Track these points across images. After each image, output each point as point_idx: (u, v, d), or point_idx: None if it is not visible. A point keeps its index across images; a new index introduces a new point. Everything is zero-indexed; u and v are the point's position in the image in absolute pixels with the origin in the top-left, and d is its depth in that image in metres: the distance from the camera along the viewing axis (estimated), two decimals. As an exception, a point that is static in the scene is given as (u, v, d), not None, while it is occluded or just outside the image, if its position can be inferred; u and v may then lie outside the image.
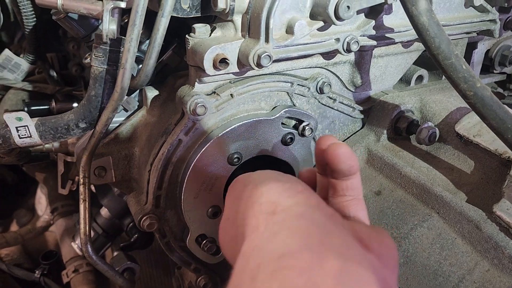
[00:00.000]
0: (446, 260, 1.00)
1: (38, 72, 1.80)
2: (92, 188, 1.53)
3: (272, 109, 1.13)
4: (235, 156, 1.08)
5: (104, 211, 1.43)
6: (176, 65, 1.27)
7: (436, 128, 1.19)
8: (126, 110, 1.27)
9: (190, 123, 1.04)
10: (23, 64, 1.55)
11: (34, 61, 1.59)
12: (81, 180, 1.10)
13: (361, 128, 1.33)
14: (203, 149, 1.05)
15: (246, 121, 1.07)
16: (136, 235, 1.37)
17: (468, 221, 1.01)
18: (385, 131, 1.26)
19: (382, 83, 1.31)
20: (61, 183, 1.42)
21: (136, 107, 1.26)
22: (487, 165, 1.13)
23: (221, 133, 1.05)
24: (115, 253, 1.32)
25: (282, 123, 1.14)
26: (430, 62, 1.44)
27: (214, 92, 1.06)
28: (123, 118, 1.25)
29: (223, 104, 1.06)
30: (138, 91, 1.26)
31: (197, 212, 1.11)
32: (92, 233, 1.48)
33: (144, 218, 1.08)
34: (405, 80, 1.40)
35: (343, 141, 1.31)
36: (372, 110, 1.30)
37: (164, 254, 1.65)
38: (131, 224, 1.40)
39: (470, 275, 0.98)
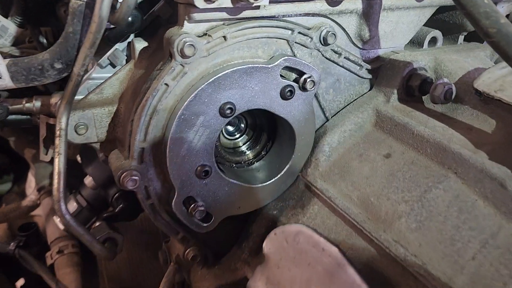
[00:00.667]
0: (465, 224, 0.88)
1: (29, 41, 1.70)
2: (79, 159, 1.42)
3: (270, 58, 1.02)
4: (228, 106, 0.97)
5: (88, 180, 1.32)
6: (168, 17, 1.17)
7: (453, 84, 1.07)
8: (113, 66, 1.17)
9: (177, 67, 0.93)
10: (11, 27, 1.45)
11: (22, 24, 1.49)
12: (57, 132, 0.99)
13: (369, 91, 1.21)
14: (191, 96, 0.94)
15: (240, 67, 0.96)
16: (121, 205, 1.25)
17: (491, 179, 0.89)
18: (395, 91, 1.14)
19: (392, 41, 1.19)
20: (44, 148, 1.31)
21: (124, 62, 1.16)
22: (511, 123, 1.00)
23: (212, 78, 0.94)
24: (97, 223, 1.21)
25: (281, 76, 1.02)
26: (445, 26, 1.33)
27: (206, 34, 0.95)
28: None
29: (216, 47, 0.95)
30: (126, 45, 1.16)
31: (184, 171, 1.00)
32: (76, 206, 1.37)
33: (125, 173, 0.97)
34: (417, 42, 1.29)
35: (348, 104, 1.20)
36: (381, 70, 1.18)
37: (155, 237, 1.53)
38: (117, 194, 1.29)
39: (494, 240, 0.85)
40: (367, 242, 0.96)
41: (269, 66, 0.99)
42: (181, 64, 0.93)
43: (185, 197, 1.03)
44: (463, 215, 0.89)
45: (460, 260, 0.84)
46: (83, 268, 1.60)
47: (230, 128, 1.20)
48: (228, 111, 0.97)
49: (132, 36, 1.14)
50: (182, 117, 0.95)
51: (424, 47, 1.28)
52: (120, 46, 1.15)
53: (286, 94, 1.02)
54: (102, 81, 1.12)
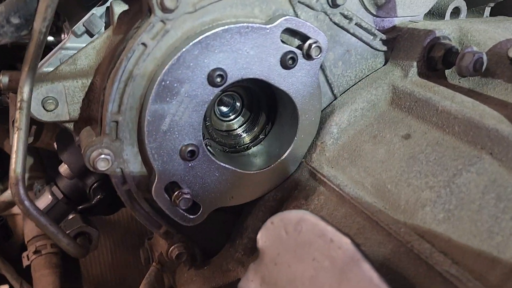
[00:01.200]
0: (506, 214, 0.72)
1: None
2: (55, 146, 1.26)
3: (269, 19, 0.87)
4: (218, 73, 0.81)
5: (63, 168, 1.16)
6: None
7: (483, 53, 0.91)
8: (90, 34, 1.02)
9: (157, 23, 0.78)
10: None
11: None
12: (18, 104, 0.84)
13: (383, 66, 1.06)
14: (174, 58, 0.78)
15: (232, 26, 0.81)
16: (98, 196, 1.10)
17: (536, 159, 0.73)
18: (414, 64, 0.98)
19: (410, 8, 1.04)
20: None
21: (103, 29, 1.01)
22: (555, 96, 0.85)
23: (199, 38, 0.79)
24: (70, 216, 1.05)
25: (282, 41, 0.87)
26: (469, -3, 1.17)
27: (192, -14, 0.80)
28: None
29: (204, 2, 0.80)
30: (104, 9, 1.01)
31: (166, 150, 0.84)
32: (50, 199, 1.21)
33: (95, 152, 0.81)
34: (437, 14, 1.14)
35: (360, 80, 1.04)
36: (398, 40, 1.03)
37: (143, 238, 1.37)
38: (95, 184, 1.13)
39: (542, 232, 0.69)
40: (384, 236, 0.80)
41: (268, 26, 0.84)
42: (161, 20, 0.78)
43: (167, 183, 0.87)
44: (502, 202, 0.73)
45: (500, 257, 0.68)
46: (63, 270, 1.43)
47: (224, 109, 1.05)
48: (218, 79, 0.82)
49: (111, -2, 0.99)
50: (163, 83, 0.79)
51: (446, 19, 1.12)
52: (98, 11, 1.00)
53: (287, 62, 0.87)
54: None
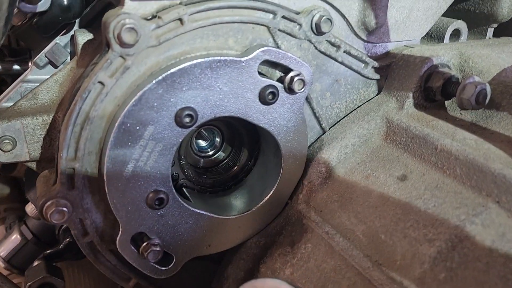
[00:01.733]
0: (517, 275, 0.61)
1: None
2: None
3: (245, 50, 0.78)
4: (186, 113, 0.72)
5: (30, 208, 1.07)
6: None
7: (487, 84, 0.81)
8: (54, 66, 0.94)
9: (116, 59, 0.69)
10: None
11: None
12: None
13: (376, 95, 0.96)
14: (135, 98, 0.69)
15: (202, 60, 0.72)
16: (67, 240, 1.00)
17: (550, 211, 0.63)
18: (410, 95, 0.89)
19: (405, 33, 0.95)
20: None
21: (68, 59, 0.93)
22: None
23: (164, 75, 0.70)
24: (35, 263, 0.96)
25: (261, 73, 0.78)
26: (470, 16, 1.08)
27: (156, 16, 0.71)
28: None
29: (169, 34, 0.71)
30: (69, 39, 0.92)
31: (131, 199, 0.75)
32: (19, 239, 1.12)
33: (49, 203, 0.72)
34: (436, 36, 1.04)
35: (351, 112, 0.95)
36: (393, 68, 0.93)
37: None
38: (64, 225, 1.04)
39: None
40: (377, 298, 0.69)
41: (243, 59, 0.75)
42: (121, 56, 0.69)
43: (134, 234, 0.78)
44: (513, 261, 0.63)
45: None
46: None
47: (202, 143, 0.96)
48: (187, 120, 0.73)
49: (75, 27, 0.91)
50: (123, 127, 0.70)
51: (445, 42, 1.03)
52: (62, 40, 0.92)
53: (267, 98, 0.78)
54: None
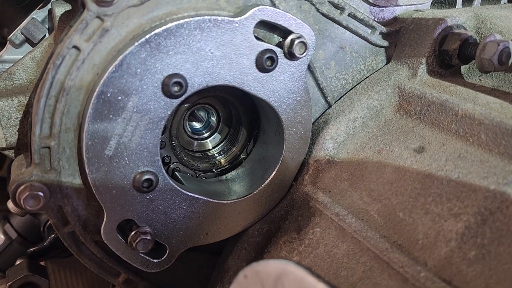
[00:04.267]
0: (561, 249, 0.53)
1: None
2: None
3: (239, 11, 0.69)
4: (174, 80, 0.64)
5: (12, 204, 0.99)
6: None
7: (510, 41, 0.73)
8: (32, 44, 0.86)
9: (93, 20, 0.61)
10: None
11: None
12: None
13: (385, 65, 0.88)
14: (115, 63, 0.61)
15: (190, 19, 0.63)
16: (53, 236, 0.92)
17: None
18: (424, 60, 0.81)
19: (415, -5, 0.86)
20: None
21: (47, 36, 0.85)
22: None
23: (147, 36, 0.62)
24: (18, 262, 0.87)
25: (257, 37, 0.69)
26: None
27: (137, -28, 0.63)
28: (26, 55, 0.83)
29: (153, -9, 0.63)
30: (47, 13, 0.84)
31: (115, 181, 0.66)
32: (3, 239, 1.04)
33: (22, 187, 0.64)
34: (446, 2, 0.96)
35: (358, 83, 0.86)
36: (402, 33, 0.85)
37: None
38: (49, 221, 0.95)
39: None
40: (399, 282, 0.61)
41: (236, 19, 0.66)
42: (98, 17, 0.61)
43: (120, 221, 0.69)
44: (556, 233, 0.54)
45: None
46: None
47: (197, 125, 0.88)
48: (176, 88, 0.64)
49: (52, -2, 0.83)
50: (103, 96, 0.62)
51: (457, 7, 0.95)
52: (39, 15, 0.84)
53: (264, 64, 0.70)
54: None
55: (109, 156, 0.65)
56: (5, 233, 1.04)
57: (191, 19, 0.64)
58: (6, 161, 1.39)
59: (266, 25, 0.71)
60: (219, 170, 0.86)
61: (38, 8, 0.83)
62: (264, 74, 0.71)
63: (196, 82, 0.67)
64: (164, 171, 0.69)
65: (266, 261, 0.51)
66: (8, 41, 0.85)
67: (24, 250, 1.04)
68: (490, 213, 0.60)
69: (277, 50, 0.71)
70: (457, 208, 0.62)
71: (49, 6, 0.83)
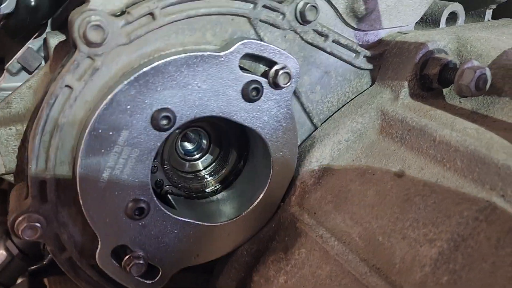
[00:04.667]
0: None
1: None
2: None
3: (225, 44, 0.72)
4: (163, 115, 0.67)
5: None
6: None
7: (487, 68, 0.75)
8: (28, 72, 0.89)
9: (84, 60, 0.64)
10: None
11: None
12: None
13: (370, 87, 0.91)
14: (105, 101, 0.64)
15: (177, 57, 0.66)
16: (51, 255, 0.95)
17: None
18: (406, 84, 0.83)
19: (397, 18, 0.89)
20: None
21: (43, 64, 0.88)
22: None
23: (136, 75, 0.65)
24: (19, 281, 0.91)
25: (243, 68, 0.73)
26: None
27: (125, 12, 0.66)
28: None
29: (140, 30, 0.66)
30: (42, 42, 0.88)
31: (109, 210, 0.70)
32: (4, 255, 1.07)
33: (20, 218, 0.67)
34: (431, 21, 0.99)
35: (343, 106, 0.89)
36: (386, 57, 0.88)
37: None
38: (50, 239, 0.99)
39: None
40: (376, 305, 0.64)
41: (222, 54, 0.69)
42: (89, 57, 0.64)
43: (114, 247, 0.73)
44: (523, 261, 0.57)
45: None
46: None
47: (188, 146, 0.91)
48: (164, 122, 0.68)
49: (48, 29, 0.86)
50: (94, 133, 0.65)
51: (441, 26, 0.97)
52: (35, 44, 0.87)
53: (250, 94, 0.73)
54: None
55: (102, 187, 0.69)
56: (7, 249, 1.08)
57: (178, 56, 0.67)
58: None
59: (251, 56, 0.74)
60: (210, 191, 0.89)
61: (33, 37, 0.87)
62: (250, 103, 0.74)
63: (184, 114, 0.70)
64: (155, 199, 0.73)
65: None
66: (5, 70, 0.88)
67: (25, 266, 1.08)
68: (462, 239, 0.63)
69: (262, 80, 0.74)
70: (432, 233, 0.66)
71: (44, 35, 0.86)
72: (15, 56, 0.86)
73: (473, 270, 0.60)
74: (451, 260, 0.62)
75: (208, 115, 0.72)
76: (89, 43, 0.63)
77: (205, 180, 0.89)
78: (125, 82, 0.65)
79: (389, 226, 0.70)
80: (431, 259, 0.63)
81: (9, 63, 0.86)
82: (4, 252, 1.07)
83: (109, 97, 0.64)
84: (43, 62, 0.88)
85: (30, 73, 0.89)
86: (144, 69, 0.65)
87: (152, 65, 0.66)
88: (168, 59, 0.66)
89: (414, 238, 0.67)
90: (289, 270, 0.78)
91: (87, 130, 0.65)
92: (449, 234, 0.64)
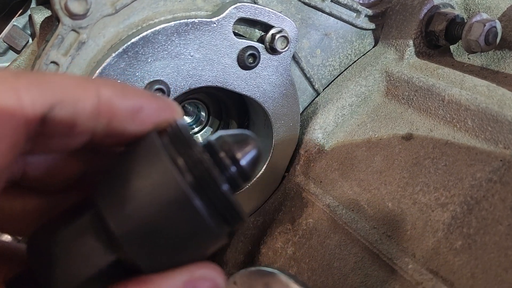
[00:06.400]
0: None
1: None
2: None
3: (218, 9, 0.68)
4: (156, 87, 0.64)
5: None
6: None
7: (497, 21, 0.71)
8: (16, 51, 0.85)
9: (68, 34, 0.61)
10: None
11: None
12: None
13: (373, 47, 0.86)
14: (95, 76, 0.61)
15: (166, 25, 0.63)
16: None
17: None
18: (411, 42, 0.79)
19: (400, -27, 0.84)
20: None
21: (30, 41, 0.85)
22: None
23: (124, 46, 0.61)
24: None
25: (237, 34, 0.69)
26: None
27: (108, -21, 0.62)
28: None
29: (126, -1, 0.62)
30: (27, 19, 0.84)
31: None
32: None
33: None
34: (436, -25, 0.93)
35: (346, 69, 0.85)
36: (389, 15, 0.83)
37: None
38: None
39: None
40: (388, 273, 0.62)
41: (214, 20, 0.65)
42: (73, 30, 0.60)
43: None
44: (538, 222, 0.55)
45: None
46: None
47: (187, 119, 0.88)
48: (158, 95, 0.64)
49: (32, 4, 0.82)
50: (85, 110, 0.62)
51: (446, -19, 0.92)
52: (20, 22, 0.83)
53: (246, 61, 0.69)
54: None
55: (98, 166, 0.66)
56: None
57: (167, 24, 0.63)
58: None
59: (246, 21, 0.70)
60: (211, 164, 0.87)
61: (18, 14, 0.83)
62: (247, 71, 0.71)
63: (178, 86, 0.66)
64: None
65: (257, 270, 0.52)
66: (-9, 50, 0.84)
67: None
68: (476, 202, 0.60)
69: (259, 46, 0.70)
70: (444, 197, 0.63)
71: (29, 12, 0.82)
72: (0, 35, 0.82)
73: (488, 234, 0.57)
74: (464, 224, 0.59)
75: (203, 85, 0.68)
76: (72, 15, 0.59)
77: (206, 153, 0.87)
78: (114, 54, 0.61)
79: (399, 191, 0.67)
80: (444, 224, 0.61)
81: (-5, 42, 0.83)
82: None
83: (98, 71, 0.61)
84: (30, 40, 0.85)
85: (17, 52, 0.85)
86: (133, 40, 0.61)
87: (141, 35, 0.62)
88: (157, 28, 0.62)
89: (425, 203, 0.64)
90: (297, 241, 0.76)
91: (77, 108, 0.62)
92: (461, 197, 0.61)
